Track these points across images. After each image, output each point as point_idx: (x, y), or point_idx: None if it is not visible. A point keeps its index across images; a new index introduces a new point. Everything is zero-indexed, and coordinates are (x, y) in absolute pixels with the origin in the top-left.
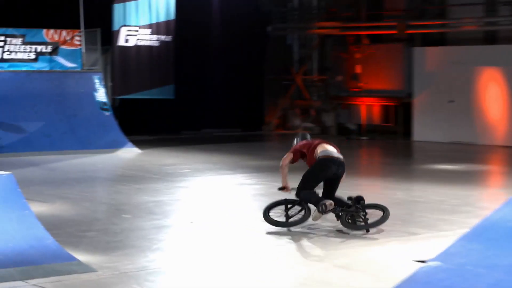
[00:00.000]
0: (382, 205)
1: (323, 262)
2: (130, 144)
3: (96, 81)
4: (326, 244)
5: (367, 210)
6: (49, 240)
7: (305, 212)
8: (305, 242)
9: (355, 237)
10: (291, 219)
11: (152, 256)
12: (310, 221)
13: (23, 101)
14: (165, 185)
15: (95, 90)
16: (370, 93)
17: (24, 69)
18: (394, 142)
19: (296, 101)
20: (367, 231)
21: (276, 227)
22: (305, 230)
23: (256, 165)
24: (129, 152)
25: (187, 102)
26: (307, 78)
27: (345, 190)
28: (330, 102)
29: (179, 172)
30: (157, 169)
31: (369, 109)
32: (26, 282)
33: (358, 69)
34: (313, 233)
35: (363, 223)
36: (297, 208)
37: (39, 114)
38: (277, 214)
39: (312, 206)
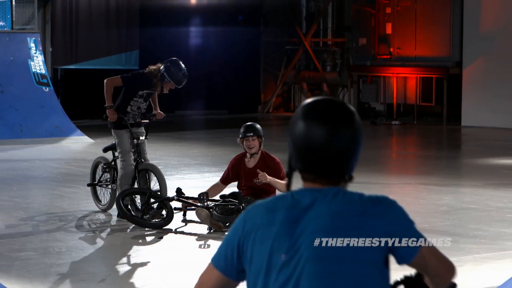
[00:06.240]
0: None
1: None
2: (78, 131)
3: (32, 45)
4: None
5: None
6: None
7: (167, 213)
8: None
9: None
10: (147, 216)
11: (114, 285)
12: None
13: None
14: None
15: (29, 57)
16: (404, 61)
17: None
18: (436, 128)
19: (303, 73)
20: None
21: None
22: None
23: None
24: (77, 143)
25: None
26: (318, 41)
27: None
28: (350, 74)
29: None
30: None
31: (403, 83)
32: None
33: (389, 29)
34: None
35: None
36: (157, 205)
37: None
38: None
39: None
